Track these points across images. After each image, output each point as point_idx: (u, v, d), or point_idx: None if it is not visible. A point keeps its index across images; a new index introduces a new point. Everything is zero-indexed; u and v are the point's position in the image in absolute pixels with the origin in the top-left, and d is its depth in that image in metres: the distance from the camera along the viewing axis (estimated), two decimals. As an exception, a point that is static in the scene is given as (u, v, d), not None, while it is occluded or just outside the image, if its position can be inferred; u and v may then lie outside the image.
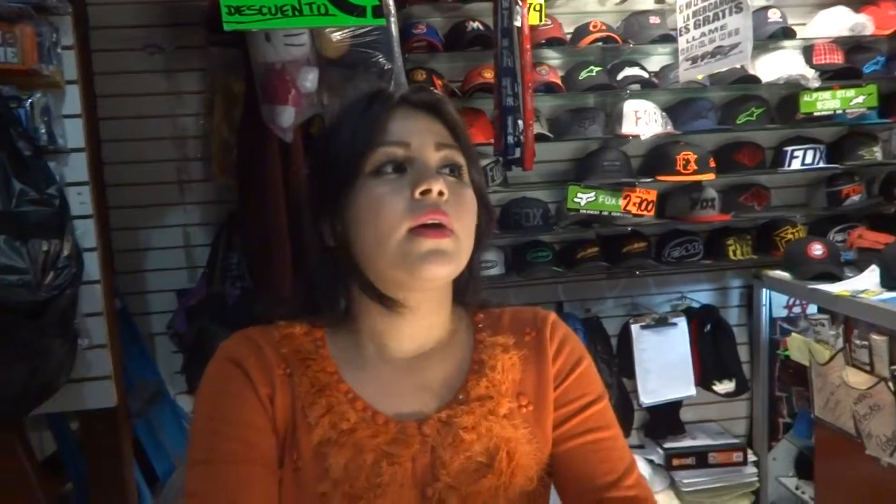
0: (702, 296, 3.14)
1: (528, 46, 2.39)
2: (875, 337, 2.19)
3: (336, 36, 2.18)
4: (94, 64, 2.10)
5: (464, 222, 0.84)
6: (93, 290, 1.88)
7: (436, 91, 0.93)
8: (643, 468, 2.92)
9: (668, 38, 2.78)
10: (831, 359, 2.37)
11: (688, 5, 2.49)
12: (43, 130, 1.74)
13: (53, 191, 1.62)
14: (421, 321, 0.90)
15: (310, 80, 2.15)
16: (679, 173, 2.81)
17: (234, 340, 0.89)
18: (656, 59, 2.99)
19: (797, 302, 2.99)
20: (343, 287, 0.90)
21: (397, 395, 0.87)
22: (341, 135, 0.87)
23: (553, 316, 0.97)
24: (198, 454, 0.83)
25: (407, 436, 0.83)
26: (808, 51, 2.90)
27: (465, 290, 0.94)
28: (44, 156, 1.69)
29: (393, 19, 2.32)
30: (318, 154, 0.91)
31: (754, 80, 2.82)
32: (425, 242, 0.80)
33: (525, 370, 0.91)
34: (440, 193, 0.81)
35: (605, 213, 2.81)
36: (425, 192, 0.80)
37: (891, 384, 2.11)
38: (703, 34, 2.41)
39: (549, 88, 2.77)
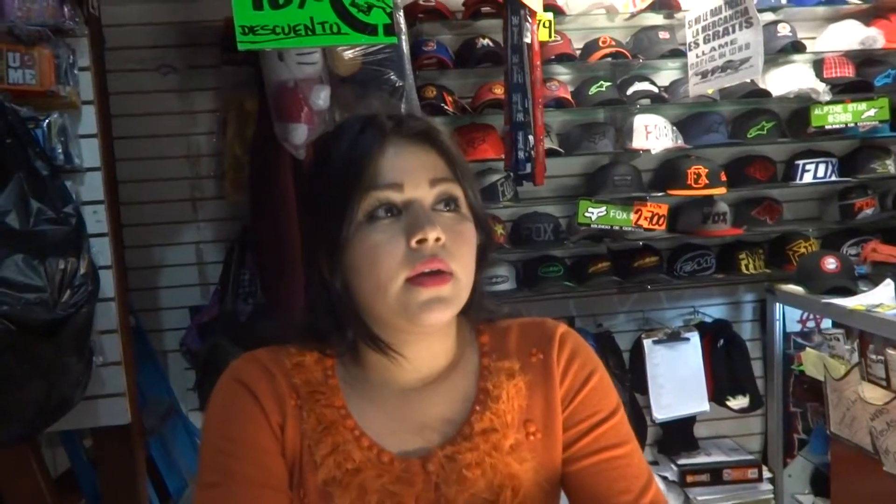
0: (714, 310, 3.12)
1: (538, 63, 2.40)
2: (891, 352, 2.17)
3: (348, 54, 2.20)
4: (109, 84, 2.13)
5: (463, 261, 0.82)
6: (108, 308, 1.90)
7: (424, 116, 0.90)
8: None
9: (678, 53, 2.79)
10: (847, 374, 2.35)
11: (697, 20, 2.49)
12: (60, 150, 1.77)
13: (70, 210, 1.64)
14: (424, 352, 0.88)
15: (322, 97, 2.17)
16: (690, 187, 2.81)
17: (244, 362, 0.88)
18: (666, 74, 2.99)
19: (811, 316, 2.97)
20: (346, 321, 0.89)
21: (402, 430, 0.86)
22: (332, 170, 0.84)
23: (561, 330, 0.94)
24: (210, 476, 0.82)
25: (411, 474, 0.83)
26: (818, 64, 2.89)
27: (470, 308, 0.91)
28: (60, 175, 1.71)
29: (404, 37, 2.34)
30: (310, 185, 0.88)
31: (765, 94, 2.82)
32: (424, 292, 0.79)
33: (532, 395, 0.89)
34: (437, 239, 0.79)
35: (617, 228, 2.80)
36: (422, 241, 0.78)
37: (908, 399, 2.09)
38: (712, 49, 2.41)
39: (560, 104, 2.77)
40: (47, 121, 1.74)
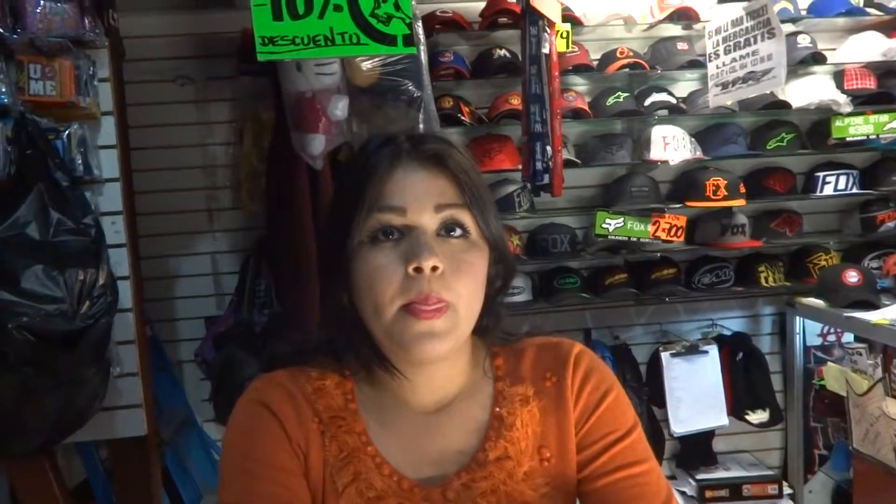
0: (733, 323, 3.09)
1: (557, 73, 2.39)
2: (916, 367, 2.14)
3: (366, 65, 2.19)
4: (127, 95, 2.13)
5: (462, 290, 0.81)
6: (125, 319, 1.90)
7: (444, 137, 0.89)
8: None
9: (696, 64, 2.77)
10: (870, 389, 2.32)
11: (717, 31, 2.48)
12: (79, 161, 1.78)
13: (89, 220, 1.64)
14: (437, 374, 0.88)
15: (340, 108, 2.17)
16: (709, 199, 2.78)
17: (266, 385, 0.88)
18: (684, 85, 2.97)
19: (831, 330, 2.93)
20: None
21: (420, 457, 0.86)
22: (346, 188, 0.85)
23: (576, 350, 0.93)
24: (232, 496, 0.82)
25: (431, 502, 0.83)
26: (838, 76, 2.86)
27: (485, 330, 0.91)
28: (80, 186, 1.72)
29: (422, 48, 2.34)
30: (332, 199, 0.89)
31: (785, 105, 2.80)
32: (417, 324, 0.79)
33: (545, 421, 0.89)
34: (434, 269, 0.78)
35: (634, 240, 2.78)
36: (418, 269, 0.78)
37: (934, 416, 2.05)
38: (733, 60, 2.40)
39: (577, 114, 2.76)
40: (67, 132, 1.75)
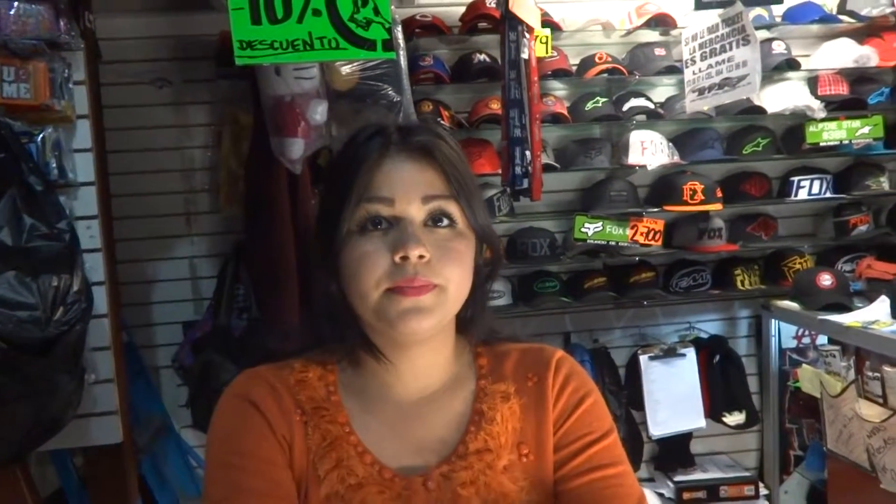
0: (710, 326, 3.12)
1: (536, 78, 2.41)
2: (887, 369, 2.17)
3: (346, 69, 2.19)
4: (103, 98, 2.11)
5: (449, 275, 0.83)
6: (100, 325, 1.88)
7: (434, 128, 0.90)
8: (654, 502, 2.87)
9: (674, 70, 2.80)
10: (843, 391, 2.35)
11: (694, 38, 2.50)
12: (54, 165, 1.75)
13: (64, 225, 1.62)
14: (420, 360, 0.90)
15: (319, 112, 2.16)
16: (686, 203, 2.81)
17: (247, 379, 0.89)
18: (662, 90, 3.00)
19: (806, 332, 2.97)
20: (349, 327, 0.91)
21: (402, 447, 0.88)
22: (336, 178, 0.87)
23: (558, 355, 0.96)
24: (217, 491, 0.82)
25: (412, 492, 0.84)
26: (812, 82, 2.91)
27: (470, 324, 0.94)
28: (54, 190, 1.69)
29: (402, 53, 2.34)
30: (321, 192, 0.92)
31: (760, 110, 2.83)
32: (403, 301, 0.81)
33: (525, 418, 0.91)
34: (420, 257, 0.81)
35: (613, 243, 2.79)
36: (404, 258, 0.80)
37: (906, 417, 2.09)
38: (709, 66, 2.42)
39: (556, 119, 2.78)
40: (41, 135, 1.72)
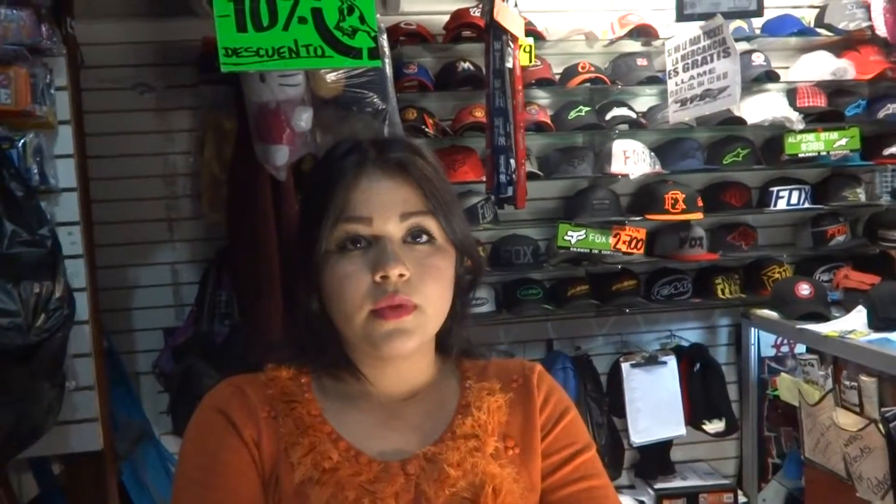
0: (690, 334, 3.15)
1: (520, 87, 2.42)
2: (864, 378, 2.21)
3: (331, 76, 2.19)
4: (84, 103, 2.09)
5: (429, 293, 0.84)
6: (82, 331, 1.86)
7: (409, 143, 0.91)
8: (634, 509, 2.90)
9: (655, 80, 2.83)
10: (821, 400, 2.38)
11: (676, 49, 2.54)
12: (35, 171, 1.74)
13: (45, 231, 1.61)
14: (393, 377, 0.90)
15: (304, 119, 2.17)
16: (668, 212, 2.84)
17: (218, 388, 0.89)
18: (643, 100, 3.03)
19: (785, 341, 3.01)
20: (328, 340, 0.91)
21: (382, 437, 0.87)
22: (313, 197, 0.87)
23: (539, 367, 0.97)
24: None
25: (390, 474, 0.83)
26: (791, 94, 2.95)
27: (448, 335, 0.94)
28: (36, 196, 1.68)
29: (387, 60, 2.35)
30: (300, 207, 0.91)
31: (740, 121, 2.87)
32: (386, 324, 0.81)
33: (511, 413, 0.91)
34: (400, 275, 0.81)
35: (595, 251, 2.82)
36: (384, 277, 0.81)
37: (881, 426, 2.12)
38: (691, 77, 2.45)
39: (539, 127, 2.79)
40: (23, 141, 1.71)
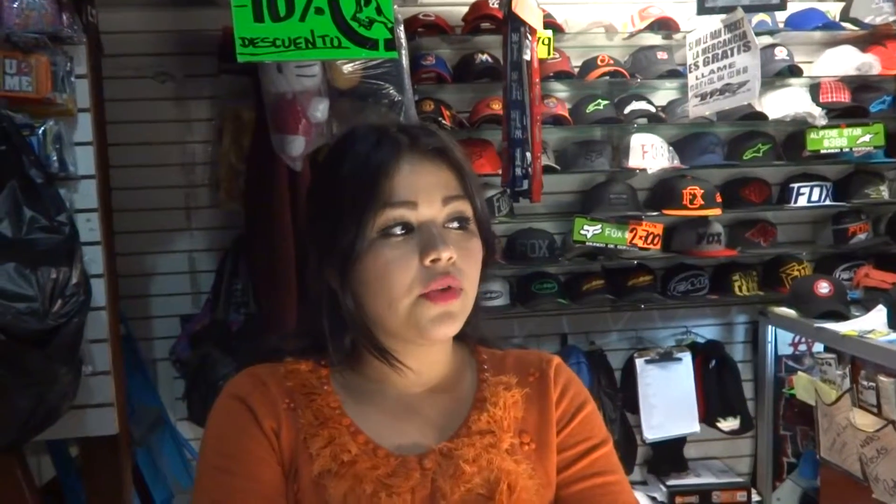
0: (706, 331, 3.12)
1: (538, 80, 2.41)
2: (883, 379, 2.18)
3: (347, 68, 2.20)
4: (105, 91, 2.11)
5: (471, 277, 0.85)
6: (98, 317, 1.89)
7: (439, 133, 0.90)
8: (646, 505, 2.89)
9: (676, 74, 2.80)
10: (838, 399, 2.36)
11: (697, 42, 2.51)
12: (54, 158, 1.76)
13: (63, 218, 1.63)
14: (425, 360, 0.90)
15: (320, 110, 2.17)
16: (685, 208, 2.81)
17: (239, 377, 0.90)
18: (663, 94, 3.00)
19: (803, 340, 2.97)
20: (348, 329, 0.90)
21: (399, 430, 0.87)
22: (345, 183, 0.85)
23: (557, 359, 0.97)
24: (204, 495, 0.82)
25: (407, 469, 0.83)
26: (814, 89, 2.91)
27: (467, 324, 0.93)
28: (55, 183, 1.70)
29: (404, 52, 2.34)
30: (320, 193, 0.90)
31: (761, 116, 2.84)
32: (435, 308, 0.82)
33: (527, 409, 0.91)
34: (449, 258, 0.81)
35: (612, 246, 2.80)
36: (435, 260, 0.81)
37: (899, 427, 2.09)
38: (711, 71, 2.43)
39: (557, 121, 2.78)
40: (43, 128, 1.73)
